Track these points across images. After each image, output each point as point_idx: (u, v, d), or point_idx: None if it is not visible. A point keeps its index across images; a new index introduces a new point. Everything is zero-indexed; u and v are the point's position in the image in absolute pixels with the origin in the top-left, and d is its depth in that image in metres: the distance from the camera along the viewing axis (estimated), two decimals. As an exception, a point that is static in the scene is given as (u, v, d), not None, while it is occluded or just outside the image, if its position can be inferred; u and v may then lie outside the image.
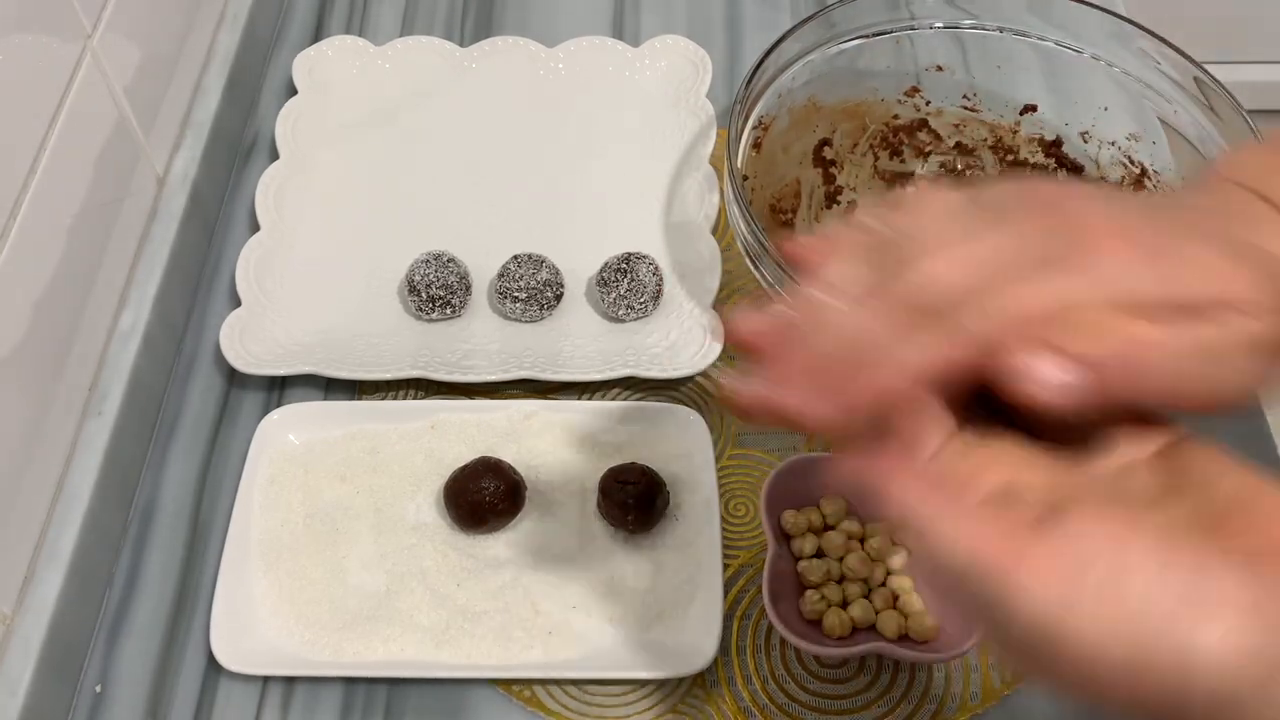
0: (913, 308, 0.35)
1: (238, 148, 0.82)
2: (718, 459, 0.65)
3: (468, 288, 0.71)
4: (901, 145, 0.77)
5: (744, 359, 0.39)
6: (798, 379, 0.37)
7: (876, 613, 0.58)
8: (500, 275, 0.71)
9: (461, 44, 0.86)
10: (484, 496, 0.61)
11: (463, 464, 0.63)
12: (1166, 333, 0.34)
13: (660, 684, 0.59)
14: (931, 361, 0.35)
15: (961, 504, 0.33)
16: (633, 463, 0.63)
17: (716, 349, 0.68)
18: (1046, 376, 0.34)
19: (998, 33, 0.73)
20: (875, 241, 0.38)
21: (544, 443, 0.66)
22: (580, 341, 0.70)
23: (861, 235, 0.38)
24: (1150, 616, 0.30)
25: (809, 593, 0.58)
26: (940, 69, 0.76)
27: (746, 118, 0.68)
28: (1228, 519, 0.33)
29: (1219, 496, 0.34)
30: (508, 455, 0.64)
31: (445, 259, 0.71)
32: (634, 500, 0.61)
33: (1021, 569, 0.31)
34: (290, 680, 0.60)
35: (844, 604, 0.58)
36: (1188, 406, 0.36)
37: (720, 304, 0.71)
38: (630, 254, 0.71)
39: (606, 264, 0.71)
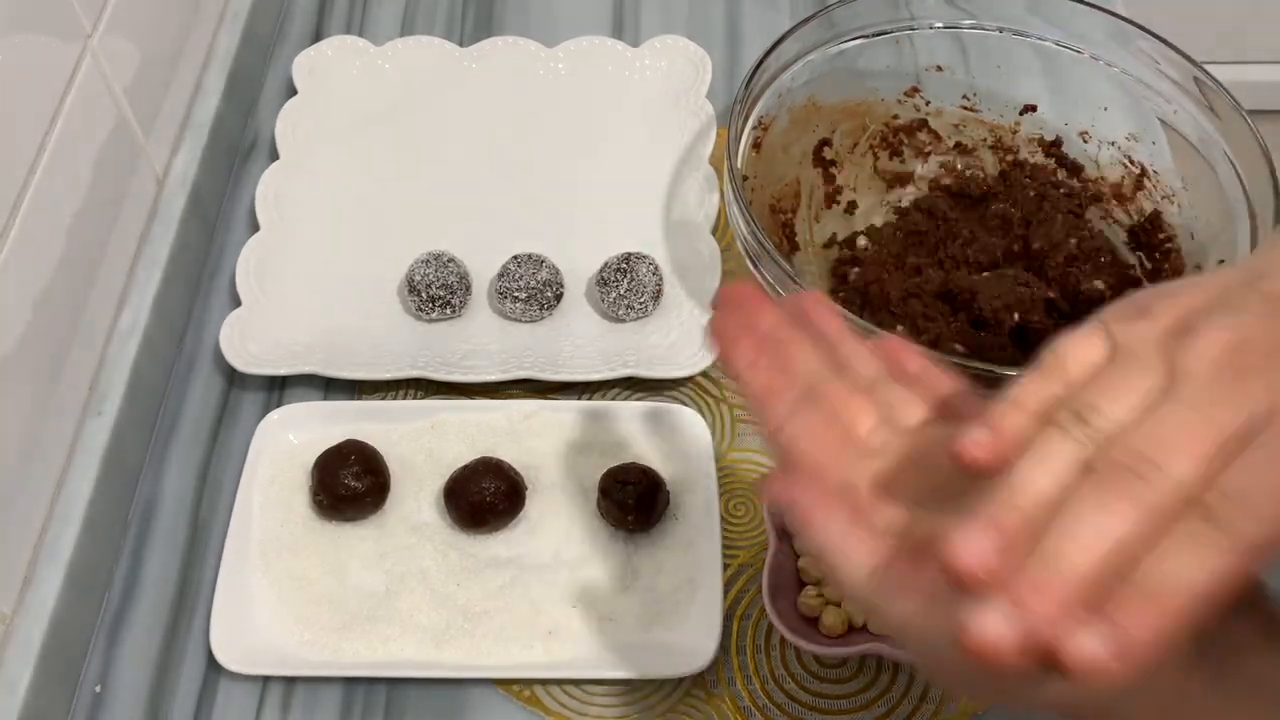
0: (1165, 514, 0.30)
1: (238, 148, 0.82)
2: (718, 459, 0.65)
3: (468, 288, 0.71)
4: (901, 145, 0.77)
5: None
6: (1063, 610, 0.29)
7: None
8: (500, 275, 0.71)
9: (461, 44, 0.86)
10: (484, 497, 0.61)
11: (463, 464, 0.63)
12: None
13: (660, 684, 0.59)
14: (1214, 574, 0.29)
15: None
16: (633, 463, 0.63)
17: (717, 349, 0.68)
18: None
19: (997, 33, 0.73)
20: (1053, 407, 0.32)
21: (544, 443, 0.66)
22: (580, 341, 0.70)
23: (1028, 401, 0.33)
24: None
25: (807, 589, 0.59)
26: (940, 69, 0.76)
27: (746, 118, 0.68)
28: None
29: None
30: (508, 455, 0.64)
31: (445, 259, 0.71)
32: (634, 500, 0.61)
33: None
34: (290, 680, 0.60)
35: (840, 601, 0.58)
36: None
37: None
38: (630, 254, 0.71)
39: (606, 264, 0.71)
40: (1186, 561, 0.29)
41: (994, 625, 0.29)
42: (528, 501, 0.63)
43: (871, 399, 0.39)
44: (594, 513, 0.63)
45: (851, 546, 0.35)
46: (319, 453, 0.64)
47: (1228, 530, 0.29)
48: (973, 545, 0.29)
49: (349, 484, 0.62)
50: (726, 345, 0.41)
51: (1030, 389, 0.33)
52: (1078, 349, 0.33)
